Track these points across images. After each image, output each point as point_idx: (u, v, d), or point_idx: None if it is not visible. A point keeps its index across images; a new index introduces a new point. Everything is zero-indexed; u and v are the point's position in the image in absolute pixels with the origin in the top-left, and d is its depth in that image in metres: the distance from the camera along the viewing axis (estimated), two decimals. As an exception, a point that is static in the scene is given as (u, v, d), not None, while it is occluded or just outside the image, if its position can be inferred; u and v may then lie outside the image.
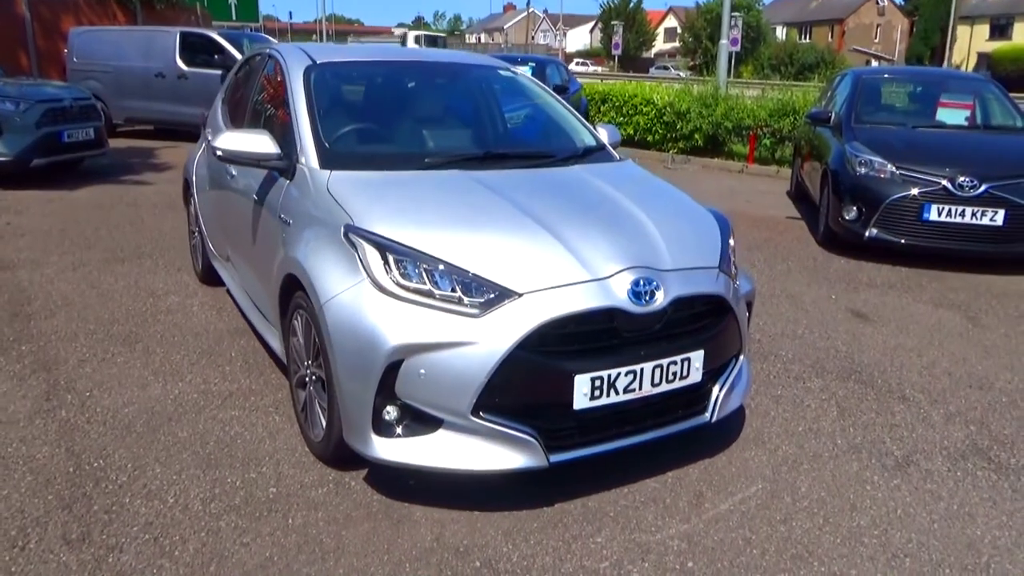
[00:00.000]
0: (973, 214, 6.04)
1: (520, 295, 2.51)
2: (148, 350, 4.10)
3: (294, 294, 3.01)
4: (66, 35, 14.16)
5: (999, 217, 6.03)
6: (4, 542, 2.49)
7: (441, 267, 2.56)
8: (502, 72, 4.27)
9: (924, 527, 2.71)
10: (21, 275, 5.38)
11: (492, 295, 2.52)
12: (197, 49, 12.88)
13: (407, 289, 2.55)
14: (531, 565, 2.45)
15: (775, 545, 2.58)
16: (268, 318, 3.62)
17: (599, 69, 47.95)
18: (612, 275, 2.63)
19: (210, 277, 5.08)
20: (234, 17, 25.15)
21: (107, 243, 6.35)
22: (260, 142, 3.26)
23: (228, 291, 4.92)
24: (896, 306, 5.26)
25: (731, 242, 3.13)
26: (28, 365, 3.86)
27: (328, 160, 3.17)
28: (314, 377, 2.94)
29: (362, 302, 2.58)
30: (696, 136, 12.11)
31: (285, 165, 3.28)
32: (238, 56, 12.52)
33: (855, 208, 6.45)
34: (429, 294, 2.53)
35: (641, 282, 2.63)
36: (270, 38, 16.79)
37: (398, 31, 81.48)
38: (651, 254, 2.77)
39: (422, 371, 2.49)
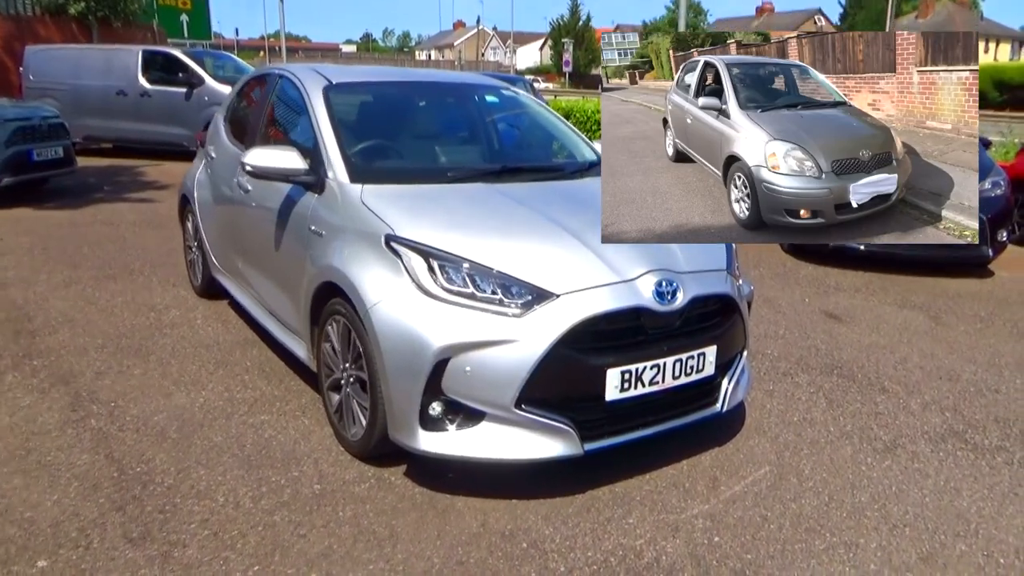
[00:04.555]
0: (928, 222, 6.48)
1: (557, 296, 2.73)
2: (163, 362, 4.19)
3: (328, 301, 3.17)
4: (18, 54, 13.94)
5: (952, 224, 6.48)
6: (68, 543, 2.59)
7: (483, 271, 2.77)
8: (504, 91, 4.51)
9: (917, 501, 3.00)
10: (14, 293, 5.37)
11: (531, 296, 2.73)
12: (160, 67, 12.83)
13: (451, 292, 2.74)
14: (573, 545, 2.65)
15: (789, 520, 2.84)
16: (289, 327, 3.76)
17: (550, 86, 48.72)
18: (637, 277, 2.87)
19: (210, 291, 5.17)
20: (186, 35, 24.98)
21: (93, 261, 6.35)
22: (289, 158, 3.42)
23: (231, 304, 5.03)
24: (864, 308, 5.64)
25: (734, 247, 3.41)
26: (45, 379, 3.92)
27: (357, 175, 3.35)
28: (352, 379, 3.10)
29: (408, 305, 2.76)
30: (658, 151, 12.53)
31: (313, 180, 3.45)
32: (202, 74, 12.55)
33: (819, 218, 6.86)
34: (472, 296, 2.73)
35: (663, 283, 2.88)
36: (234, 55, 16.70)
37: (346, 48, 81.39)
38: (669, 258, 3.02)
39: (467, 368, 2.68)
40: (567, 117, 13.85)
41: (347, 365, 3.13)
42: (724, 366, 3.17)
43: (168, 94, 12.52)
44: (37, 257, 6.40)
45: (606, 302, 2.76)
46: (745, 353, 3.34)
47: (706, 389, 3.13)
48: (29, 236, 7.15)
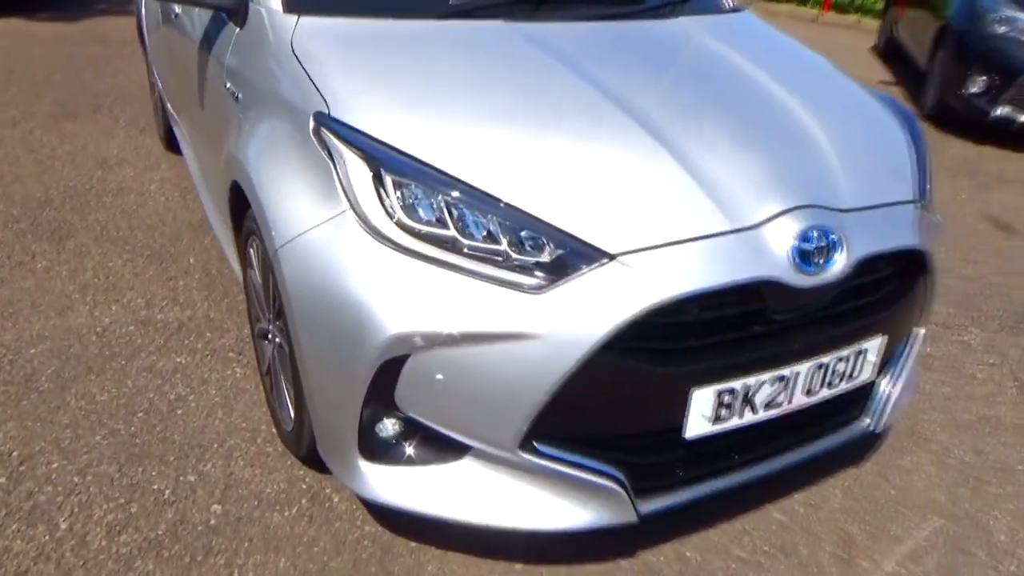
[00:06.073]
0: None
1: (611, 257, 1.45)
2: (80, 251, 3.11)
3: (248, 211, 1.96)
4: None
5: None
6: None
7: (477, 201, 1.49)
8: None
9: None
10: (-55, 133, 4.31)
11: (562, 252, 1.46)
12: None
13: (416, 235, 1.49)
14: None
15: (982, 652, 1.67)
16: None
17: None
18: (766, 221, 1.55)
19: (173, 142, 4.01)
20: None
21: (61, 91, 5.20)
22: (194, -37, 2.09)
23: (194, 166, 3.88)
24: (1045, 213, 4.12)
25: (927, 152, 2.01)
26: (-82, 270, 2.90)
27: (297, -2, 2.00)
28: (278, 341, 1.95)
29: (342, 251, 1.53)
30: (764, -24, 10.36)
31: (233, 4, 2.13)
32: None
33: (984, 78, 5.17)
34: (453, 245, 1.48)
35: (812, 234, 1.56)
36: None
37: None
38: (823, 183, 1.67)
39: (439, 376, 1.48)
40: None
41: (271, 316, 1.97)
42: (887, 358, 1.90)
43: None
44: (-3, 84, 5.29)
45: (704, 272, 1.47)
46: (922, 331, 2.03)
47: (849, 398, 1.88)
48: (1, 55, 6.01)
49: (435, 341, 1.45)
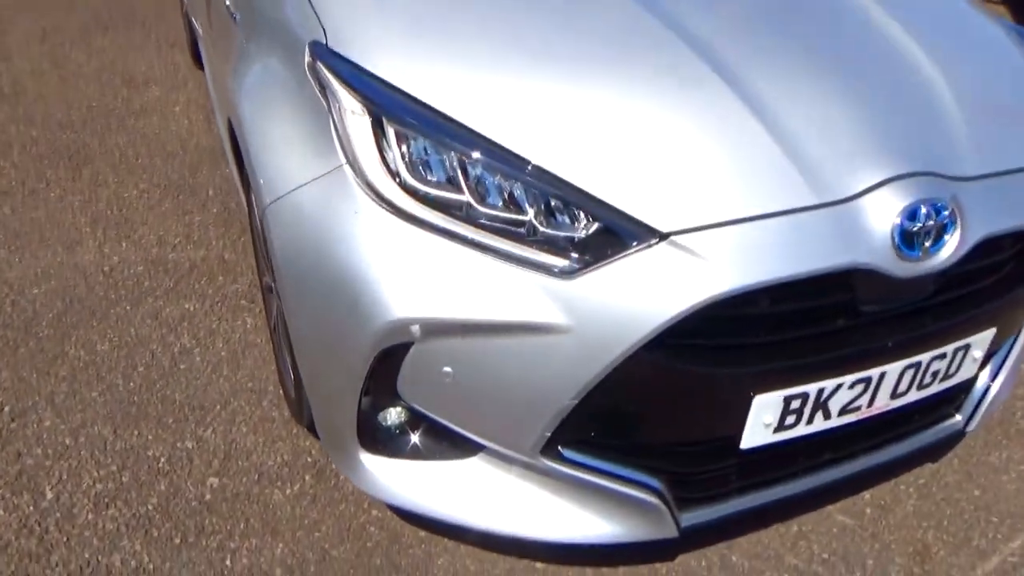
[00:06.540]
0: None
1: (663, 236, 1.17)
2: (95, 179, 2.93)
3: (247, 151, 1.71)
4: None
5: None
6: None
7: (499, 162, 1.21)
8: None
9: None
10: (-28, 45, 4.14)
11: (601, 227, 1.18)
12: None
13: (424, 201, 1.22)
14: None
15: None
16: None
17: None
18: (861, 194, 1.23)
19: (201, 58, 3.77)
20: None
21: (97, 0, 4.97)
22: None
23: (221, 86, 3.63)
24: None
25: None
26: (-72, 197, 2.77)
27: None
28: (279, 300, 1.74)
29: (335, 215, 1.28)
30: None
31: (234, -99, 1.83)
32: None
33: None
34: (467, 216, 1.21)
35: (922, 209, 1.24)
36: None
37: None
38: (939, 142, 1.33)
39: (447, 369, 1.25)
40: None
41: (272, 274, 1.75)
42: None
43: None
44: (33, -10, 5.08)
45: (781, 257, 1.18)
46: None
47: (942, 394, 1.58)
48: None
49: (442, 330, 1.21)
